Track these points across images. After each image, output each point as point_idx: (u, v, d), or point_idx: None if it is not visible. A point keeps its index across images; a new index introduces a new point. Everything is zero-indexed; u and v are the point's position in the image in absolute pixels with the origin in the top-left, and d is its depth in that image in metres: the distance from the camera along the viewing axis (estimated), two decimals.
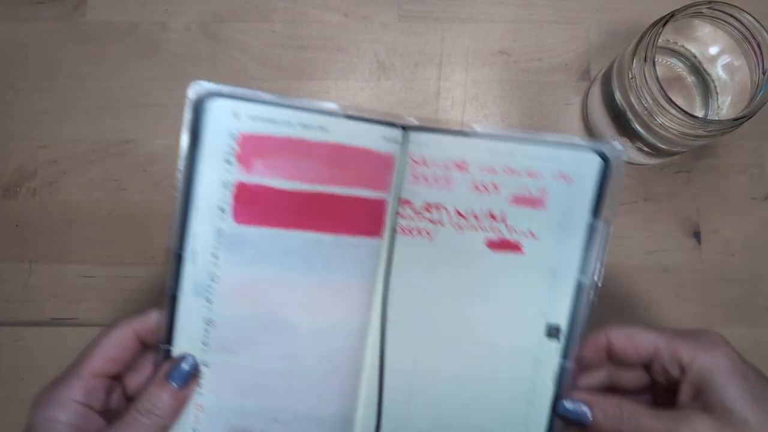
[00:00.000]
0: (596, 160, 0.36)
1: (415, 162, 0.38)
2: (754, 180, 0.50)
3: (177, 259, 0.35)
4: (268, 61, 0.51)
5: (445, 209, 0.37)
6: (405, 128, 0.38)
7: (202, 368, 0.36)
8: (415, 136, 0.38)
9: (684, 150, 0.45)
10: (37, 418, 0.33)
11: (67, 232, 0.50)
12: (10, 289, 0.49)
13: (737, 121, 0.40)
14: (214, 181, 0.35)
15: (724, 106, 0.45)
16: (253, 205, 0.35)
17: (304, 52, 0.52)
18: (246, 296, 0.36)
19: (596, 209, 0.36)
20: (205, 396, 0.36)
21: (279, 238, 0.36)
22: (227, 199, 0.35)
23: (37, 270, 0.50)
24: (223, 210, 0.35)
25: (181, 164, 0.35)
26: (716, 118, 0.43)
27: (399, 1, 0.52)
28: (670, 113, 0.40)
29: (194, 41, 0.52)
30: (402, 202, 0.38)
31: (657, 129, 0.42)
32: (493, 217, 0.37)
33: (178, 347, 0.36)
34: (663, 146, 0.44)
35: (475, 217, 0.37)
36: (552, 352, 0.37)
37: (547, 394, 0.37)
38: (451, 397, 0.38)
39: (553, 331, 0.37)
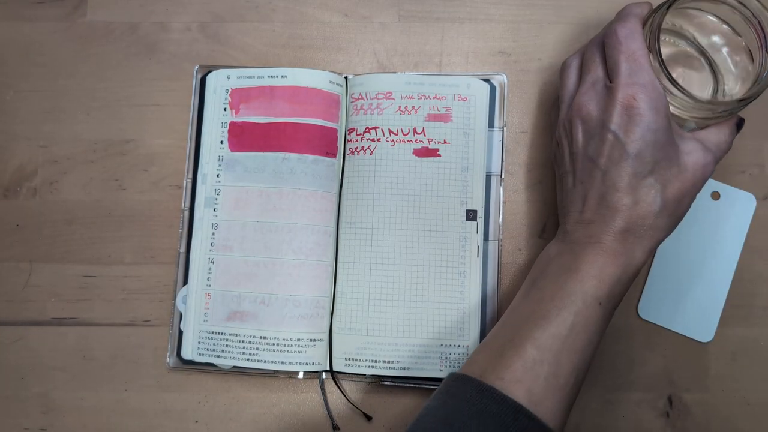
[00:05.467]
0: (484, 86, 0.49)
1: (354, 98, 0.49)
2: (754, 180, 0.50)
3: (193, 182, 0.49)
4: (268, 61, 0.51)
5: (381, 129, 0.48)
6: (346, 77, 0.50)
7: (210, 264, 0.48)
8: (353, 80, 0.50)
9: None
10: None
11: (67, 232, 0.50)
12: (10, 289, 0.50)
13: (742, 102, 0.40)
14: (216, 124, 0.49)
15: (728, 89, 0.45)
16: (241, 136, 0.49)
17: (304, 52, 0.52)
18: (238, 204, 0.48)
19: (491, 120, 0.49)
20: (212, 287, 0.48)
21: (258, 159, 0.48)
22: (224, 134, 0.49)
23: (37, 270, 0.50)
24: (222, 142, 0.49)
25: (192, 117, 0.50)
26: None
27: (399, 1, 0.52)
28: (676, 96, 0.40)
29: (194, 41, 0.52)
30: (349, 130, 0.49)
31: None
32: (415, 131, 0.48)
33: (194, 250, 0.48)
34: None
35: (403, 133, 0.48)
36: (473, 232, 0.47)
37: (475, 266, 0.47)
38: (401, 274, 0.47)
39: (471, 215, 0.47)
